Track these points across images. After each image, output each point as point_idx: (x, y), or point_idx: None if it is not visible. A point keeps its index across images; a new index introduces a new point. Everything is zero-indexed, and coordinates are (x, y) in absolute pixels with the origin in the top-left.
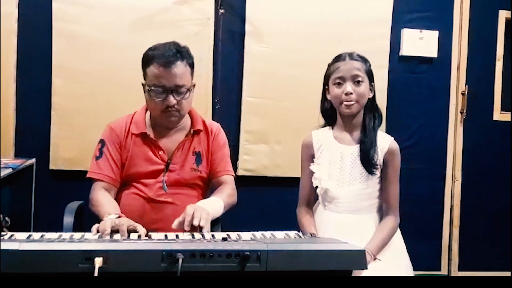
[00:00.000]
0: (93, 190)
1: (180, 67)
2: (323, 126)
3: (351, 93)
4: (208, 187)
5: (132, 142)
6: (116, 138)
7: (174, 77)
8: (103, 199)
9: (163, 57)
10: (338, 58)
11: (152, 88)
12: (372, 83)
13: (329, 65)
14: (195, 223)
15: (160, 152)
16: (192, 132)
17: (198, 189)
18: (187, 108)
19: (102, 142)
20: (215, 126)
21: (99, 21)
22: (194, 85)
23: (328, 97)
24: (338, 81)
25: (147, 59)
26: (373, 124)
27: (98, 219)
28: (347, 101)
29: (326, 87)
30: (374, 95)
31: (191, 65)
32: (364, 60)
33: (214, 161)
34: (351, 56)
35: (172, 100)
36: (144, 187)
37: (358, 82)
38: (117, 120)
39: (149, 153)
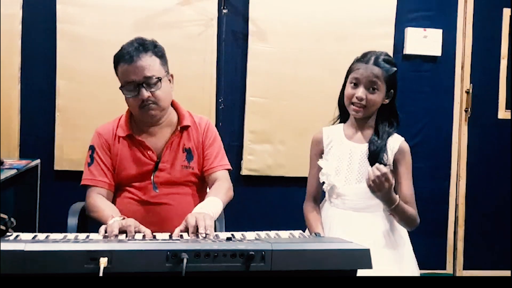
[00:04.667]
0: (88, 197)
1: (145, 59)
2: (336, 121)
3: (362, 99)
4: (203, 182)
5: (120, 145)
6: (104, 142)
7: (141, 69)
8: (101, 204)
9: (127, 53)
10: (363, 58)
11: (124, 86)
12: (392, 90)
13: (354, 60)
14: (201, 231)
15: (148, 152)
16: (179, 128)
17: (193, 186)
18: (166, 100)
19: (92, 148)
20: (204, 121)
21: (103, 22)
22: (172, 76)
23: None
24: (354, 81)
25: (115, 61)
26: (388, 129)
27: (100, 224)
28: (356, 105)
29: (347, 81)
30: (392, 101)
31: (160, 56)
32: (389, 65)
33: (207, 157)
34: (376, 60)
35: (145, 93)
36: (137, 190)
37: (373, 89)
38: (104, 125)
39: (138, 154)
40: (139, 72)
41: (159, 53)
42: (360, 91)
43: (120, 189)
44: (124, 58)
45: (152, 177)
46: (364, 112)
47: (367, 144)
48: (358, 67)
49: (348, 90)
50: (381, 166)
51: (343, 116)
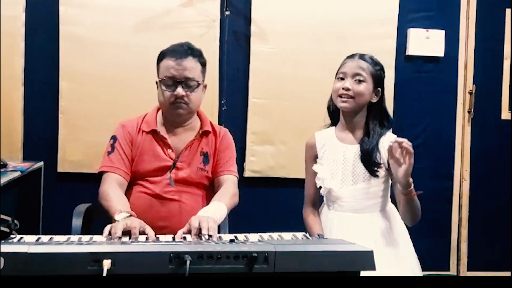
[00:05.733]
0: (103, 183)
1: (190, 61)
2: (328, 126)
3: (348, 89)
4: (214, 187)
5: (142, 139)
6: (127, 134)
7: (184, 69)
8: (113, 194)
9: (176, 51)
10: (350, 56)
11: (163, 79)
12: (379, 88)
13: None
14: (204, 232)
15: (168, 150)
16: (201, 132)
17: (204, 189)
18: (196, 104)
19: (114, 138)
20: (223, 130)
21: (105, 23)
22: (205, 86)
23: None
24: (340, 76)
25: (162, 55)
26: (379, 129)
27: (107, 218)
28: (344, 96)
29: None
30: (380, 101)
31: (203, 64)
32: (374, 63)
33: (219, 161)
34: (362, 56)
35: (181, 91)
36: (151, 184)
37: (359, 81)
38: (129, 119)
39: (158, 150)
40: (182, 71)
41: (202, 61)
42: (347, 82)
43: (134, 183)
44: (172, 54)
45: (169, 174)
46: (351, 104)
47: (358, 145)
48: (344, 62)
49: (335, 84)
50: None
51: (334, 120)
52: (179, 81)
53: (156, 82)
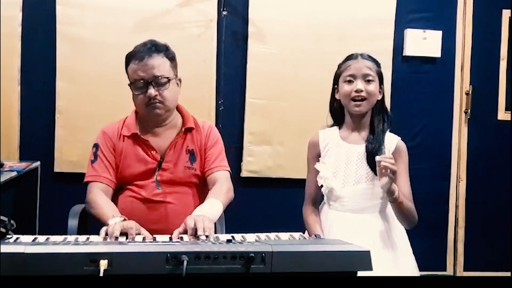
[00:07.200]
0: (90, 192)
1: (156, 59)
2: (331, 126)
3: (361, 90)
4: (204, 184)
5: (124, 144)
6: (109, 141)
7: (151, 68)
8: (102, 201)
9: (139, 52)
10: (350, 57)
11: (133, 83)
12: (382, 85)
13: (339, 65)
14: (200, 233)
15: (152, 152)
16: (183, 130)
17: (194, 187)
18: (172, 100)
19: (96, 146)
20: (207, 124)
21: (103, 23)
22: (180, 80)
23: (337, 96)
24: (349, 78)
25: (127, 60)
26: (382, 126)
27: (100, 222)
28: (357, 98)
29: (336, 86)
30: (383, 97)
31: (171, 59)
32: (374, 61)
33: (208, 158)
34: (362, 55)
35: (152, 91)
36: (139, 188)
37: (369, 81)
38: (109, 124)
39: (141, 153)
40: (149, 70)
41: (170, 55)
42: (358, 84)
43: (122, 187)
44: (136, 56)
45: (155, 176)
46: (365, 107)
47: (363, 145)
48: (348, 65)
49: (344, 88)
50: (388, 159)
51: (337, 122)
52: (149, 81)
53: (129, 85)
